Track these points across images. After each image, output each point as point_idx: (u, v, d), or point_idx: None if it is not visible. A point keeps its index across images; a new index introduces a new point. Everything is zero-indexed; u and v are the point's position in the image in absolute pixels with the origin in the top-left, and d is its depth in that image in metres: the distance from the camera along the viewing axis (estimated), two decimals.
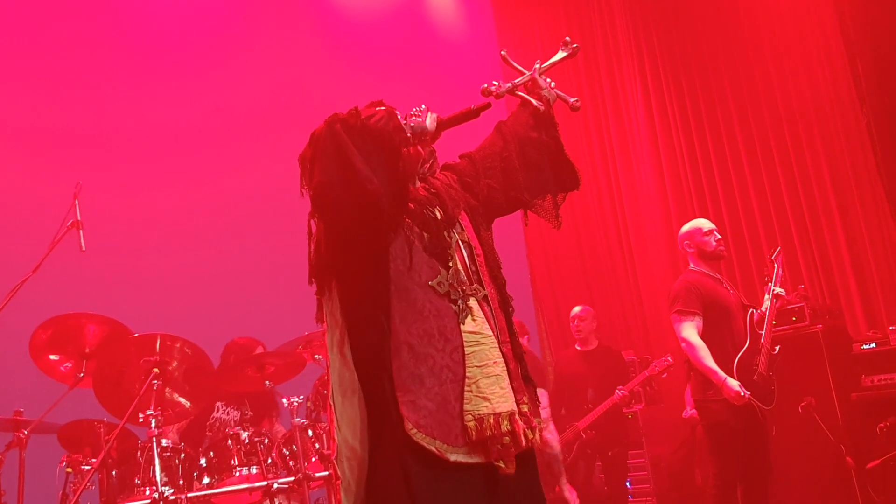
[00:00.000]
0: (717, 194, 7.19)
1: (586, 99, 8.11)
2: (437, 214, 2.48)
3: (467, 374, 2.32)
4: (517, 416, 2.35)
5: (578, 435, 6.11)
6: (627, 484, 6.33)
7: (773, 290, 4.58)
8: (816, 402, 5.16)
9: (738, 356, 4.42)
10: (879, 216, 6.22)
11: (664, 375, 6.03)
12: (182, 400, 4.59)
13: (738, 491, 4.50)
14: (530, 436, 2.38)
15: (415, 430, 2.22)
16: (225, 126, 6.29)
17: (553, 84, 2.65)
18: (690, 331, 4.48)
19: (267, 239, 5.97)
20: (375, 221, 2.30)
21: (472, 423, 2.28)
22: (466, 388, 2.30)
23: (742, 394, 4.26)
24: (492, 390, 2.33)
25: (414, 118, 2.44)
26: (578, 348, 6.46)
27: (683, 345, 4.51)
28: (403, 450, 2.23)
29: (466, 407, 2.29)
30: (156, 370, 4.21)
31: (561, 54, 2.68)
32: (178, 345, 4.39)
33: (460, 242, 2.50)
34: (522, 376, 2.50)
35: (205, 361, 4.48)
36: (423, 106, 2.48)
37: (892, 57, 5.97)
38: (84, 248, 4.10)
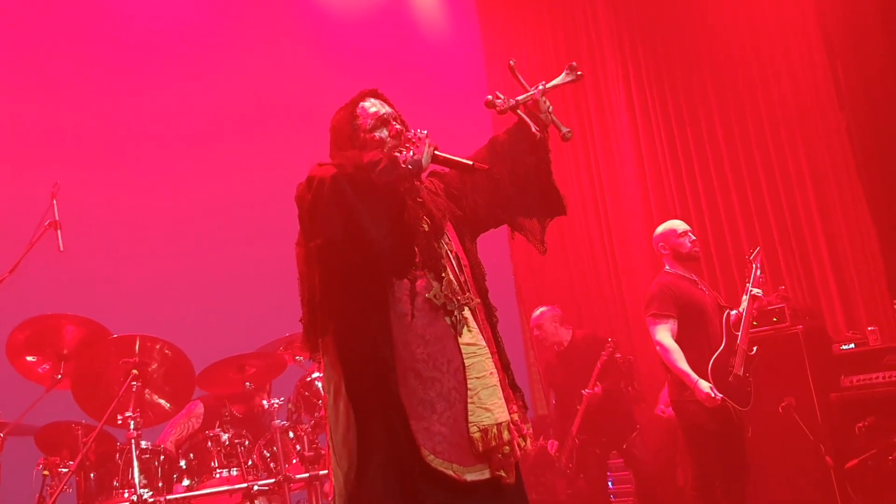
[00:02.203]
0: (700, 197, 7.22)
1: (570, 102, 8.12)
2: (425, 226, 2.46)
3: (469, 387, 2.33)
4: (512, 425, 2.38)
5: (573, 441, 6.00)
6: (610, 484, 6.31)
7: (751, 291, 4.59)
8: (796, 402, 5.18)
9: (713, 358, 4.43)
10: (859, 218, 6.26)
11: (618, 355, 5.99)
12: (162, 401, 4.56)
13: (718, 491, 4.51)
14: (522, 444, 2.41)
15: (432, 457, 2.23)
16: (205, 127, 6.26)
17: (551, 108, 2.63)
18: (664, 334, 4.50)
19: (247, 239, 5.94)
20: (380, 274, 2.31)
21: (477, 435, 2.30)
22: (469, 401, 2.32)
23: (714, 395, 4.27)
24: (492, 401, 2.36)
25: (413, 144, 2.40)
26: (556, 348, 6.33)
27: (658, 348, 4.53)
28: (417, 476, 2.23)
29: (471, 419, 2.31)
30: (135, 371, 4.19)
31: (566, 77, 2.64)
32: (157, 346, 4.37)
33: (448, 253, 2.50)
34: (510, 385, 2.51)
35: (185, 363, 4.45)
36: (425, 132, 2.43)
37: (872, 61, 6.01)
38: (62, 249, 4.06)
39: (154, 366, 4.39)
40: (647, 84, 7.59)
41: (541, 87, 2.58)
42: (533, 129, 2.57)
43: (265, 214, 5.83)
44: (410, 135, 2.43)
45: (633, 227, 7.59)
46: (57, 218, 4.11)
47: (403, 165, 2.34)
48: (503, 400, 2.41)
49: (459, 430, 2.28)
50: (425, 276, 2.38)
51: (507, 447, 2.33)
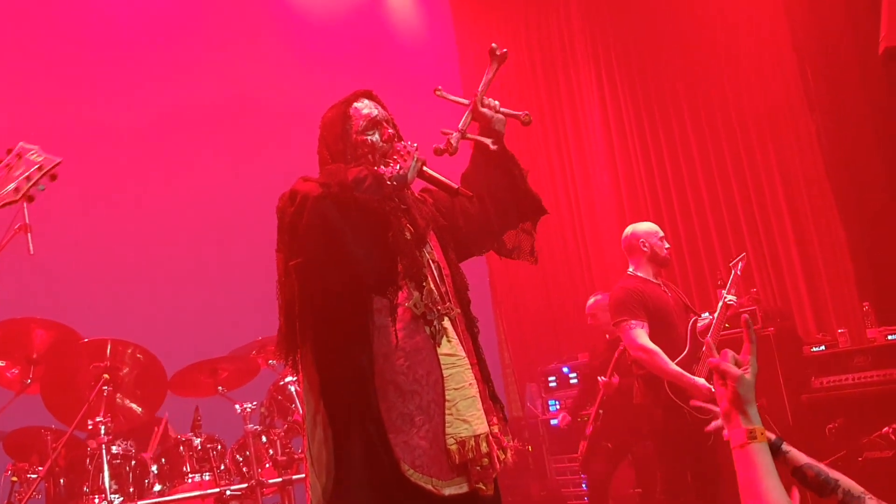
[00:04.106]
0: (672, 199, 7.28)
1: (544, 104, 8.18)
2: (408, 234, 2.42)
3: (447, 398, 2.30)
4: (490, 437, 2.35)
5: (589, 427, 5.75)
6: (583, 486, 6.28)
7: (725, 297, 4.54)
8: (768, 403, 5.23)
9: (675, 363, 4.30)
10: (829, 221, 6.34)
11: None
12: (134, 406, 4.53)
13: (690, 494, 4.48)
14: (502, 457, 2.38)
15: (412, 472, 2.20)
16: (179, 127, 6.21)
17: (498, 104, 2.58)
18: (644, 338, 4.35)
19: (220, 243, 5.91)
20: (361, 291, 2.29)
21: (454, 447, 2.26)
22: (447, 412, 2.28)
23: (712, 389, 4.21)
24: (470, 412, 2.32)
25: (401, 157, 2.36)
26: (608, 336, 5.98)
27: (640, 353, 4.35)
28: (396, 491, 2.20)
29: (448, 430, 2.27)
30: (106, 376, 4.15)
31: (493, 66, 2.58)
32: (129, 350, 4.34)
33: (430, 262, 2.47)
34: (490, 396, 2.48)
35: (157, 367, 4.42)
36: (415, 145, 2.39)
37: (840, 66, 6.09)
38: (32, 252, 4.00)
39: (125, 370, 4.36)
40: (620, 88, 7.65)
41: (477, 95, 2.55)
42: (487, 143, 2.56)
43: (238, 217, 5.81)
44: (400, 146, 2.39)
45: (608, 230, 7.64)
46: (27, 221, 4.05)
47: (389, 182, 2.31)
48: (482, 412, 2.37)
49: (440, 444, 2.25)
50: (406, 286, 2.35)
51: (486, 459, 2.30)
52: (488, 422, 2.38)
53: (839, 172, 6.24)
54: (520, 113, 2.58)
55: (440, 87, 2.56)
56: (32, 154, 2.23)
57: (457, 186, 2.44)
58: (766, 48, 6.72)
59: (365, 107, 2.52)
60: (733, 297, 4.56)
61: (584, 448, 5.86)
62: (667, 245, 4.71)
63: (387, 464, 2.20)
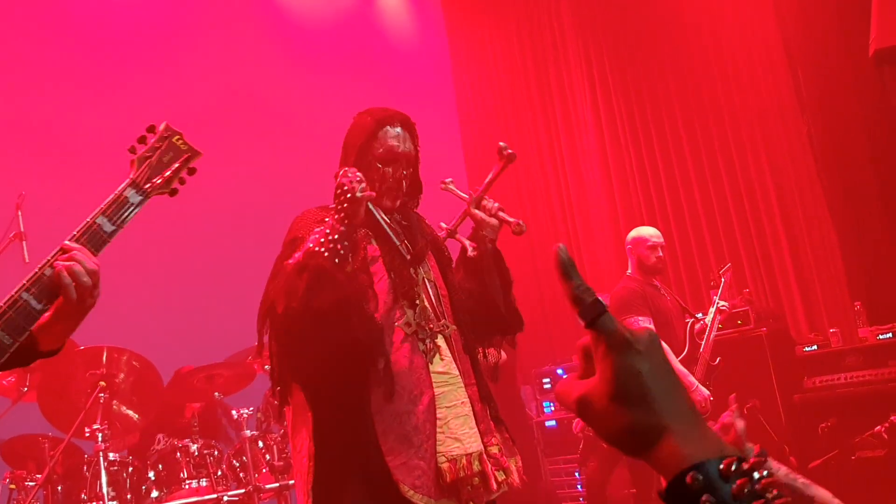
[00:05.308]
0: (665, 200, 7.32)
1: (536, 107, 8.20)
2: (404, 250, 2.42)
3: (438, 416, 2.28)
4: (485, 456, 2.32)
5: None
6: (579, 487, 6.31)
7: (718, 303, 4.64)
8: (761, 403, 5.26)
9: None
10: (820, 220, 6.38)
11: None
12: (130, 413, 4.54)
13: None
14: (501, 477, 2.34)
15: (412, 493, 2.18)
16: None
17: (496, 206, 2.53)
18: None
19: (216, 247, 5.90)
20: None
21: (445, 465, 2.24)
22: (439, 430, 2.27)
23: (708, 401, 4.29)
24: (462, 430, 2.31)
25: (342, 198, 2.19)
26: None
27: None
28: None
29: (439, 448, 2.25)
30: (102, 383, 4.16)
31: (499, 167, 2.53)
32: (125, 357, 4.35)
33: (426, 281, 2.46)
34: (493, 417, 2.46)
35: (153, 373, 4.43)
36: (359, 175, 2.22)
37: (831, 68, 6.13)
38: (28, 260, 4.02)
39: (121, 377, 4.37)
40: (612, 90, 7.68)
41: (472, 196, 2.52)
42: (468, 250, 2.54)
43: (234, 222, 5.82)
44: (345, 181, 2.20)
45: (601, 232, 7.67)
46: (22, 229, 4.07)
47: (337, 250, 2.18)
48: (477, 430, 2.35)
49: (432, 461, 2.24)
50: (400, 305, 2.34)
51: (478, 479, 2.27)
52: (486, 442, 2.36)
53: (830, 173, 6.28)
54: (512, 221, 2.48)
55: (449, 181, 2.53)
56: (178, 140, 2.00)
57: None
58: (756, 49, 6.76)
59: (393, 137, 2.45)
60: (725, 303, 4.66)
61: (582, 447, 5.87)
62: (658, 254, 4.74)
63: (385, 484, 2.19)
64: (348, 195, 2.16)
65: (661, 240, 4.86)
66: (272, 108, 6.62)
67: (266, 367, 4.69)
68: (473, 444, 2.31)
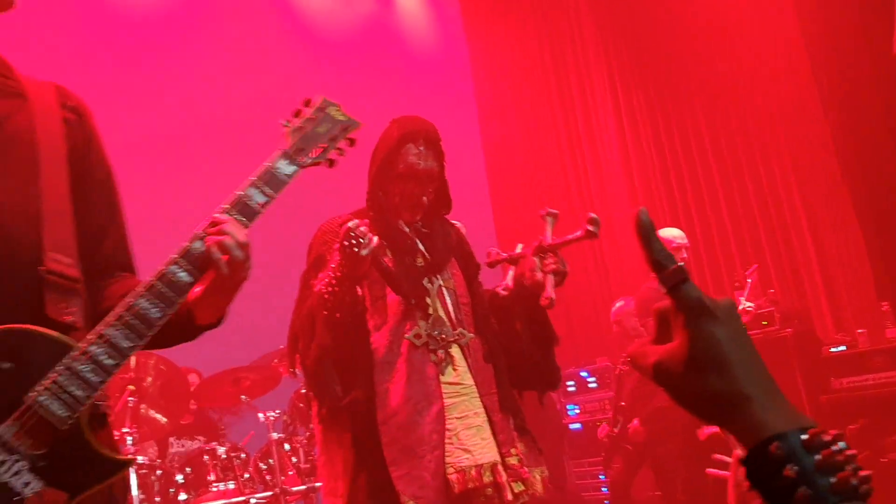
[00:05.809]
0: (688, 202, 7.30)
1: (556, 108, 8.19)
2: (420, 260, 2.42)
3: (448, 427, 2.27)
4: (500, 467, 2.29)
5: (614, 421, 5.63)
6: (604, 489, 6.28)
7: (743, 304, 4.64)
8: None
9: None
10: (846, 221, 6.33)
11: None
12: (158, 416, 4.58)
13: (710, 498, 4.49)
14: (519, 489, 2.31)
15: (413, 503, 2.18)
16: (183, 134, 6.16)
17: (553, 267, 2.37)
18: None
19: None
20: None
21: (453, 476, 2.22)
22: (447, 441, 2.25)
23: None
24: (473, 441, 2.28)
25: (352, 247, 2.18)
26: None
27: None
28: None
29: (448, 460, 2.24)
30: (131, 387, 4.20)
31: (580, 234, 2.39)
32: (152, 361, 4.39)
33: (444, 289, 2.44)
34: (516, 427, 2.44)
35: (180, 377, 4.47)
36: (364, 230, 2.18)
37: (853, 68, 6.09)
38: None
39: (149, 380, 4.41)
40: (633, 94, 7.68)
41: (539, 243, 2.41)
42: (500, 291, 2.51)
43: (259, 226, 5.83)
44: (349, 235, 2.18)
45: (623, 233, 7.64)
46: None
47: (338, 294, 2.27)
48: (493, 441, 2.32)
49: (441, 474, 2.22)
50: (413, 317, 2.34)
51: (491, 489, 2.24)
52: (505, 452, 2.33)
53: (854, 172, 6.23)
54: (548, 295, 2.29)
55: (553, 212, 2.47)
56: (335, 110, 1.94)
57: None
58: (778, 50, 6.73)
59: (415, 155, 2.42)
60: (751, 304, 4.65)
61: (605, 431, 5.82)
62: (684, 255, 4.74)
63: (389, 493, 2.19)
64: (355, 248, 2.16)
65: (686, 241, 4.85)
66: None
67: (292, 369, 4.73)
68: (486, 454, 2.28)
